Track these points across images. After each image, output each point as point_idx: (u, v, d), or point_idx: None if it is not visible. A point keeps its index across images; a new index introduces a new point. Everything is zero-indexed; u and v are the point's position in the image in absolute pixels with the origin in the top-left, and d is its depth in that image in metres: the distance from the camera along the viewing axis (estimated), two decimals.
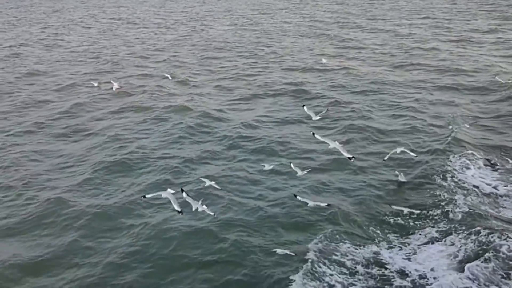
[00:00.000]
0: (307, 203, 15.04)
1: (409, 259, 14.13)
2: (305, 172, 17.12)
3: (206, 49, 46.72)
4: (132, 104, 28.96)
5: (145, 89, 32.17)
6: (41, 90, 33.28)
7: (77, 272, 14.06)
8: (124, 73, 37.57)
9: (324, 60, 35.77)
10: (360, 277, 13.39)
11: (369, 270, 13.69)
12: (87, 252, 14.96)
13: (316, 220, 16.24)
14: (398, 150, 17.74)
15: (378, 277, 13.45)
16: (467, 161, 19.33)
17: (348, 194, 17.90)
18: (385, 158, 18.50)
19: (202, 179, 15.67)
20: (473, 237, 14.57)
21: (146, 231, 15.71)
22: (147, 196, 14.17)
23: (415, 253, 14.35)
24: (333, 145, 14.72)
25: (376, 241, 15.06)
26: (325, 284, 12.99)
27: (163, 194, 13.54)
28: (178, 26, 65.30)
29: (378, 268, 13.77)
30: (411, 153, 18.01)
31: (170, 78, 32.73)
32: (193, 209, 13.59)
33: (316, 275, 13.27)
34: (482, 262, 13.53)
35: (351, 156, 14.46)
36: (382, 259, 14.13)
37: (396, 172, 18.35)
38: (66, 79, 36.00)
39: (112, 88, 28.77)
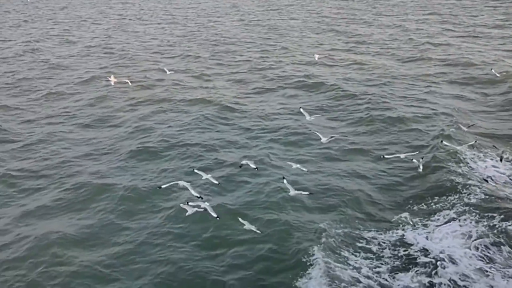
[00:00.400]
0: (290, 191, 15.13)
1: (426, 238, 14.99)
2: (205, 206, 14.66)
3: (217, 44, 47.51)
4: (152, 97, 29.84)
5: (163, 83, 33.09)
6: (63, 84, 34.17)
7: (116, 249, 15.01)
8: (140, 67, 38.35)
9: (316, 56, 34.89)
10: (386, 259, 14.22)
11: (394, 252, 14.52)
12: (125, 232, 15.92)
13: (338, 204, 17.14)
14: (402, 155, 18.31)
15: (404, 257, 14.31)
16: (480, 152, 20.01)
17: (367, 181, 18.75)
18: (385, 155, 19.42)
19: (198, 171, 15.55)
20: (486, 222, 15.43)
21: (179, 214, 16.54)
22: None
23: (433, 235, 15.13)
24: (325, 139, 16.81)
25: (395, 223, 15.93)
26: (350, 267, 13.81)
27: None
28: (187, 22, 66.06)
29: (404, 248, 14.62)
30: (415, 161, 17.93)
31: (167, 72, 32.97)
32: (187, 214, 13.87)
33: (340, 258, 14.09)
34: (493, 245, 14.46)
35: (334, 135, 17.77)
36: (403, 239, 15.04)
37: (415, 161, 18.97)
38: (84, 74, 36.87)
39: (111, 82, 29.06)
